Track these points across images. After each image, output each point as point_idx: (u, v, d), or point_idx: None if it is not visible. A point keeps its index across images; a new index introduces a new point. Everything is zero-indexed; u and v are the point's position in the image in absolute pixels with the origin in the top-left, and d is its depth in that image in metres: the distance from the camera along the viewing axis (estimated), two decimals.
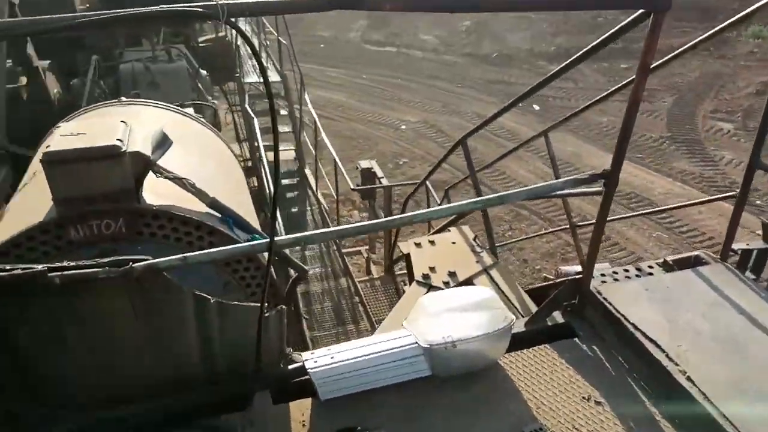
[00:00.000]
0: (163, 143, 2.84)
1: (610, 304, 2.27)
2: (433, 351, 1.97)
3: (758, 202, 11.66)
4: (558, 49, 21.02)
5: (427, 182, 6.47)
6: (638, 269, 2.74)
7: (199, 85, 7.61)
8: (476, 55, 20.72)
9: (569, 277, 2.41)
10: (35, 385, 1.75)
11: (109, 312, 1.72)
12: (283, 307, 2.07)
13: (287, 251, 3.03)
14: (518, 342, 2.27)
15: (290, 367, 2.03)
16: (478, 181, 3.44)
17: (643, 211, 9.37)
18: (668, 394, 1.94)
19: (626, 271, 2.74)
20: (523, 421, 1.93)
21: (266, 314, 2.02)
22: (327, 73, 19.46)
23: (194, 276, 2.77)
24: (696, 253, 2.64)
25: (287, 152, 9.00)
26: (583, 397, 2.02)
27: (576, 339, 2.29)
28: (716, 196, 5.68)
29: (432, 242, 3.19)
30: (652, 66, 1.89)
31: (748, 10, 2.31)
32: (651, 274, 2.69)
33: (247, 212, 3.47)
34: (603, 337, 2.26)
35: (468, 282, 2.93)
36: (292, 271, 3.15)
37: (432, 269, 2.96)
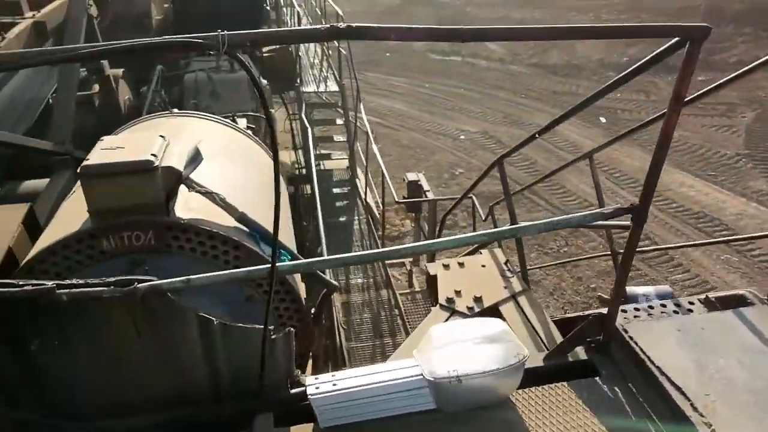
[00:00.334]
0: (195, 158, 2.91)
1: (636, 343, 2.13)
2: (438, 384, 1.91)
3: None
4: (630, 61, 20.21)
5: (474, 197, 6.36)
6: (677, 305, 2.57)
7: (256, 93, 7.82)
8: (543, 65, 20.27)
9: (595, 312, 2.28)
10: (45, 395, 1.83)
11: (116, 328, 1.77)
12: (291, 329, 2.07)
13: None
14: (534, 377, 2.17)
15: (294, 390, 2.02)
16: (513, 205, 3.33)
17: (710, 240, 8.76)
18: None
19: (663, 306, 2.57)
20: None
21: (272, 336, 2.02)
22: (390, 82, 19.58)
23: (213, 295, 2.83)
24: (742, 291, 2.44)
25: (341, 161, 9.08)
26: None
27: (597, 378, 2.16)
28: None
29: (461, 264, 3.12)
30: (686, 99, 1.76)
31: None
32: (690, 311, 2.51)
33: (282, 228, 3.52)
34: (627, 378, 2.12)
35: (494, 308, 2.84)
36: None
37: (458, 293, 2.89)
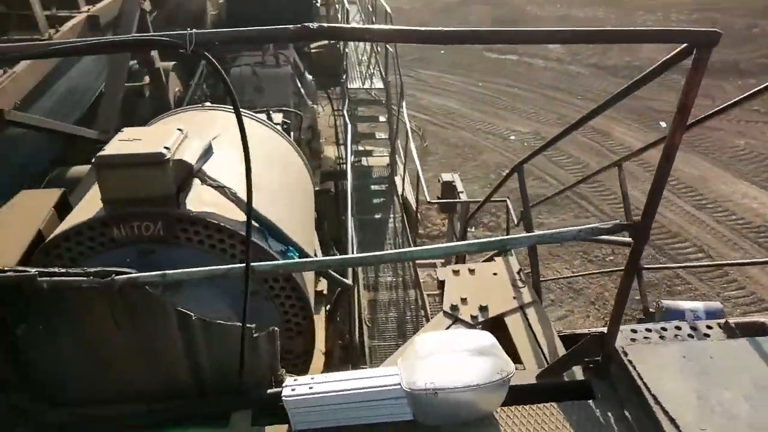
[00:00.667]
0: (207, 152, 2.95)
1: (635, 367, 2.00)
2: (415, 396, 1.86)
3: None
4: None
5: (508, 200, 6.21)
6: (693, 329, 2.41)
7: (302, 89, 7.89)
8: (603, 66, 19.62)
9: (595, 330, 2.17)
10: (31, 380, 1.89)
11: (96, 319, 1.80)
12: (275, 329, 2.06)
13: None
14: (525, 395, 2.08)
15: (272, 390, 2.01)
16: (530, 213, 3.19)
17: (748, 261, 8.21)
18: None
19: (677, 329, 2.41)
20: None
21: (255, 334, 2.02)
22: (443, 80, 19.41)
23: (217, 288, 2.87)
24: (763, 319, 2.26)
25: (381, 158, 9.06)
26: None
27: (592, 401, 2.05)
28: None
29: (471, 271, 3.03)
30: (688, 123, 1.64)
31: None
32: (707, 335, 2.35)
33: (298, 225, 3.52)
34: (623, 404, 2.00)
35: (499, 319, 2.75)
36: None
37: (463, 301, 2.81)
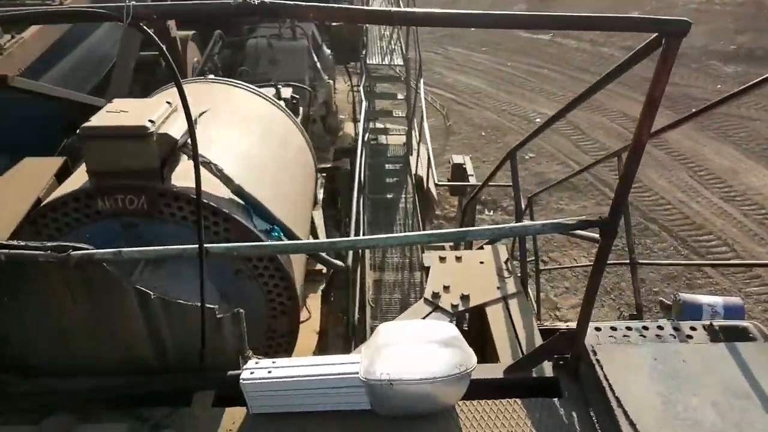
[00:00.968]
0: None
1: (602, 368, 1.94)
2: (372, 386, 1.83)
3: None
4: (739, 49, 18.60)
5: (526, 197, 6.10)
6: (676, 329, 2.33)
7: (318, 64, 7.80)
8: None
9: (565, 327, 2.10)
10: (2, 351, 1.92)
11: (55, 293, 1.81)
12: (240, 310, 2.04)
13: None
14: (490, 389, 2.04)
15: (232, 372, 2.00)
16: (521, 199, 3.10)
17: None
18: None
19: (660, 328, 2.34)
20: None
21: (219, 315, 2.00)
22: (471, 58, 19.07)
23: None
24: (745, 323, 2.16)
25: (398, 137, 8.96)
26: None
27: (557, 399, 2.00)
28: None
29: (458, 258, 2.97)
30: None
31: None
32: (690, 337, 2.27)
33: (290, 204, 3.50)
34: (589, 404, 1.95)
35: (480, 309, 2.70)
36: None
37: (446, 288, 2.75)
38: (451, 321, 2.66)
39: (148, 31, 1.41)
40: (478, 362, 1.90)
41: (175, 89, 4.01)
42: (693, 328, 2.32)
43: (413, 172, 7.92)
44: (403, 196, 7.57)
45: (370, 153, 8.52)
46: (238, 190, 2.90)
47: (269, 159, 3.56)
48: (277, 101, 4.22)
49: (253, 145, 3.53)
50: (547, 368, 2.14)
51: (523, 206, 5.81)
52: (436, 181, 5.90)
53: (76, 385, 1.97)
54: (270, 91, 5.33)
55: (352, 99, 9.30)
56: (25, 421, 1.84)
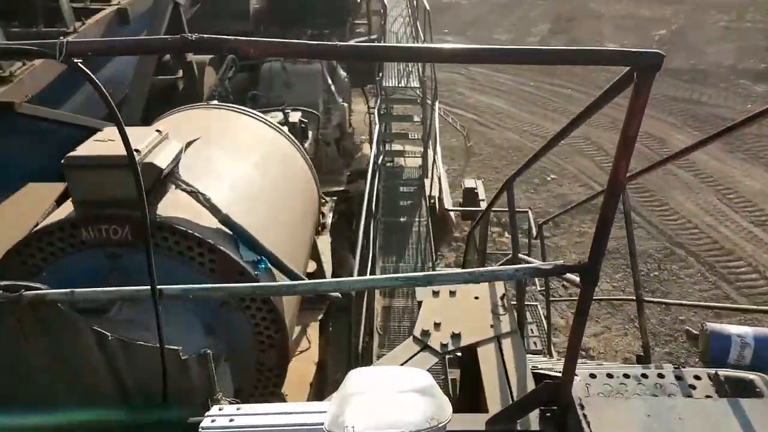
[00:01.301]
0: (179, 155, 2.86)
1: (588, 424, 1.78)
2: None
3: None
4: None
5: (530, 211, 5.92)
6: (678, 377, 2.16)
7: (332, 87, 7.80)
8: (665, 69, 18.38)
9: (551, 375, 1.96)
10: None
11: (8, 331, 1.75)
12: (209, 351, 1.95)
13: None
14: None
15: (193, 419, 1.90)
16: (517, 231, 2.95)
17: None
18: None
19: (660, 377, 2.17)
20: None
21: (184, 357, 1.92)
22: (493, 78, 18.96)
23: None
24: (752, 376, 1.99)
25: (414, 159, 8.88)
26: None
27: None
28: None
29: (452, 293, 2.84)
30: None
31: None
32: (693, 387, 2.10)
33: (284, 233, 3.42)
34: None
35: (471, 349, 2.56)
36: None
37: (437, 326, 2.62)
38: (440, 361, 2.53)
39: (83, 67, 1.35)
40: (470, 407, 1.78)
41: (176, 115, 4.00)
42: (697, 377, 2.15)
43: (427, 194, 7.80)
44: (417, 219, 7.45)
45: (384, 176, 8.44)
46: (225, 220, 2.83)
47: (265, 186, 3.50)
48: (280, 127, 4.18)
49: (249, 173, 3.48)
50: (533, 420, 1.99)
51: (534, 232, 5.66)
52: (446, 206, 5.77)
53: (36, 421, 1.89)
54: (278, 116, 5.32)
55: (369, 121, 9.27)
56: None
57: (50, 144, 4.94)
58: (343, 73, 8.47)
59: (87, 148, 2.67)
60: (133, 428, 1.94)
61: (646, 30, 21.63)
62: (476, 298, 2.83)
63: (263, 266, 2.86)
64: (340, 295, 3.70)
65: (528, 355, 4.89)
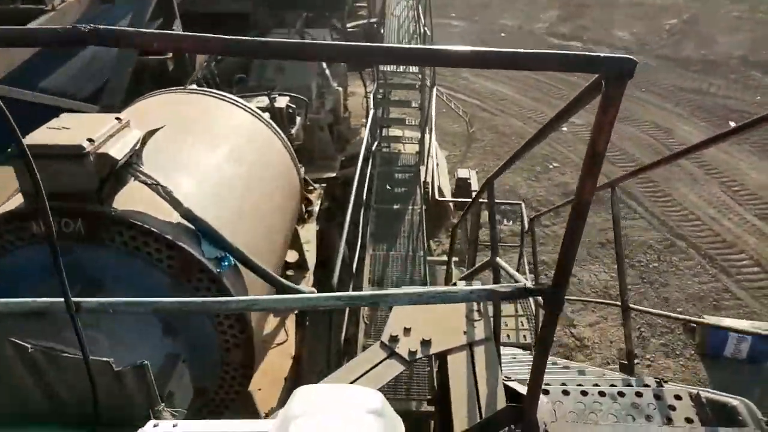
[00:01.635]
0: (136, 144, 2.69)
1: None
2: None
3: None
4: None
5: (522, 204, 5.74)
6: (657, 397, 2.00)
7: (327, 71, 7.59)
8: (673, 58, 18.24)
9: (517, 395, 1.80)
10: None
11: None
12: (145, 362, 1.80)
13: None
14: None
15: None
16: (497, 236, 2.77)
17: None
18: None
19: (638, 395, 2.01)
20: None
21: (117, 369, 1.77)
22: None
23: (142, 294, 2.64)
24: (735, 402, 1.82)
25: (411, 146, 8.67)
26: None
27: None
28: None
29: None
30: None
31: None
32: (673, 408, 1.94)
33: (256, 226, 3.26)
34: None
35: (441, 356, 2.41)
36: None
37: (406, 331, 2.47)
38: (407, 369, 2.39)
39: None
40: (440, 418, 1.62)
41: (149, 99, 3.83)
42: (678, 397, 1.99)
43: (422, 181, 7.62)
44: (411, 207, 7.27)
45: (380, 161, 8.26)
46: (186, 214, 2.67)
47: (238, 176, 3.34)
48: (259, 113, 3.99)
49: (221, 162, 3.31)
50: None
51: (526, 226, 5.48)
52: (444, 193, 5.58)
53: None
54: (264, 101, 5.14)
55: (366, 106, 9.04)
56: None
57: (24, 128, 4.77)
58: None
59: (37, 137, 2.50)
60: None
61: (657, 19, 21.13)
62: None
63: (226, 263, 2.70)
64: (314, 289, 3.56)
65: (515, 350, 4.76)
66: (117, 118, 2.71)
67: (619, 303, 2.80)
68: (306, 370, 4.05)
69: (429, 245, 7.67)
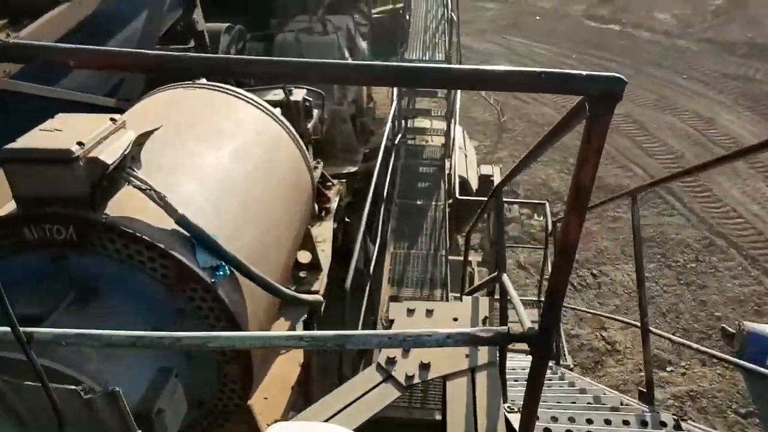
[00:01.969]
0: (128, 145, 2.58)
1: None
2: None
3: None
4: None
5: (547, 203, 5.49)
6: (643, 422, 1.81)
7: (349, 60, 7.41)
8: (718, 42, 17.42)
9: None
10: None
11: None
12: (117, 389, 1.70)
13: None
14: None
15: None
16: (504, 248, 2.57)
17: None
18: None
19: (625, 424, 1.83)
20: None
21: (86, 396, 1.67)
22: (532, 49, 18.13)
23: (136, 303, 2.56)
24: (663, 416, 1.62)
25: (437, 138, 8.45)
26: None
27: None
28: None
29: (429, 312, 2.53)
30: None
31: None
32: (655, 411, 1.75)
33: (264, 230, 3.14)
34: None
35: (441, 381, 2.25)
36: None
37: (405, 352, 2.33)
38: (403, 395, 2.24)
39: None
40: None
41: (157, 96, 3.73)
42: (663, 424, 1.80)
43: (446, 175, 7.40)
44: (434, 203, 7.08)
45: (404, 154, 8.07)
46: (181, 220, 2.57)
47: (241, 177, 3.21)
48: (270, 108, 3.85)
49: (224, 162, 3.19)
50: None
51: (549, 229, 5.23)
52: (458, 194, 5.38)
53: None
54: (280, 94, 5.00)
55: (391, 96, 8.84)
56: None
57: (36, 121, 4.75)
58: (363, 45, 8.05)
59: (28, 140, 2.42)
60: None
61: (700, 0, 20.19)
62: (455, 319, 2.51)
63: (221, 273, 2.59)
64: (321, 298, 3.43)
65: (521, 362, 4.55)
66: (112, 119, 2.61)
67: (639, 324, 2.58)
68: (316, 378, 3.94)
69: (456, 241, 7.47)
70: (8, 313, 1.31)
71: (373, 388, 2.21)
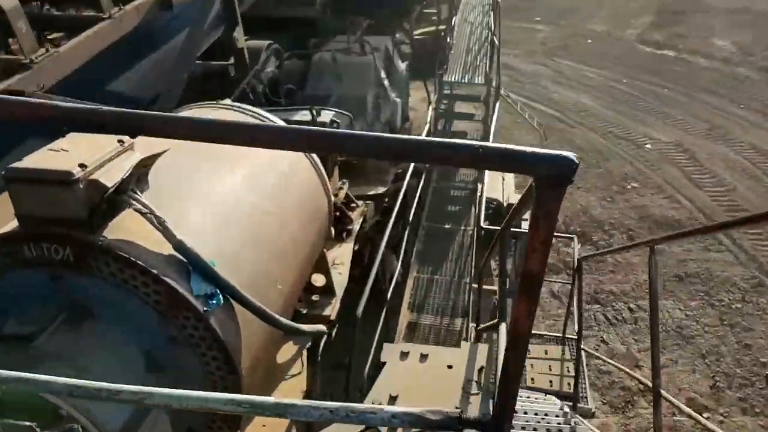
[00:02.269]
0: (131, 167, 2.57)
1: None
2: None
3: None
4: None
5: (575, 237, 5.25)
6: None
7: (385, 81, 7.39)
8: None
9: None
10: None
11: None
12: (74, 426, 1.66)
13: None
14: None
15: None
16: (506, 296, 2.42)
17: None
18: None
19: None
20: None
21: None
22: (582, 73, 17.75)
23: (128, 327, 2.54)
24: None
25: None
26: None
27: None
28: None
29: (423, 357, 2.41)
30: None
31: None
32: None
33: (270, 256, 3.09)
34: None
35: None
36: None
37: (392, 399, 2.21)
38: None
39: None
40: None
41: (184, 113, 3.76)
42: None
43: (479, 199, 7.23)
44: (462, 228, 6.94)
45: (436, 177, 7.96)
46: (178, 246, 2.55)
47: (252, 201, 3.18)
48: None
49: (234, 187, 3.17)
50: None
51: (575, 265, 4.98)
52: (482, 221, 5.24)
53: None
54: (307, 116, 5.01)
55: (429, 117, 8.76)
56: None
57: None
58: (401, 66, 8.01)
59: (34, 159, 2.45)
60: None
61: (763, 27, 19.38)
62: (449, 366, 2.38)
63: (215, 302, 2.55)
64: (324, 328, 3.35)
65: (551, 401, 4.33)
66: (120, 141, 2.62)
67: (650, 384, 2.39)
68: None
69: (489, 268, 7.26)
70: None
71: None
